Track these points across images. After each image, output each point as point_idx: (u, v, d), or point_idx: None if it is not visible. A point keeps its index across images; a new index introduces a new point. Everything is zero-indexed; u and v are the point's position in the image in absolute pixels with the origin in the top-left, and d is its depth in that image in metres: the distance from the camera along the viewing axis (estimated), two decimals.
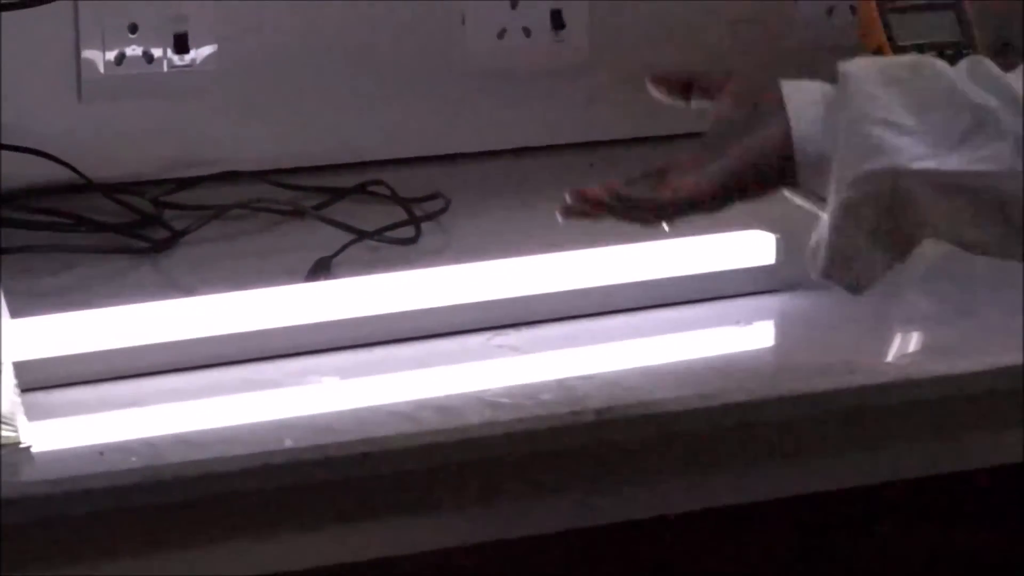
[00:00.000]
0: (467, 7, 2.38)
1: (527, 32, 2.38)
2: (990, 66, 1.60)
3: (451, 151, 2.35)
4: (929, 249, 1.70)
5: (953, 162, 1.55)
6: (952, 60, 2.07)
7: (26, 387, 1.55)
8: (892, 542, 1.76)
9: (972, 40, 2.25)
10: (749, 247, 1.90)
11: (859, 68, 1.60)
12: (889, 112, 1.57)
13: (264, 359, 1.73)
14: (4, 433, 1.49)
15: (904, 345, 1.81)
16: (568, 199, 1.64)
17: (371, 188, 2.22)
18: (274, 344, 1.75)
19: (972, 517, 1.77)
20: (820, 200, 1.60)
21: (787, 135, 1.59)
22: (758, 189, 1.62)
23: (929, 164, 1.55)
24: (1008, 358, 1.73)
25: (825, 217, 1.60)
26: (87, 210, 2.10)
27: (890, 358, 1.78)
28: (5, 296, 1.66)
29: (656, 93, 1.70)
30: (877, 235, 1.60)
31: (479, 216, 2.16)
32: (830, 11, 2.48)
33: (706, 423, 1.65)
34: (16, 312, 1.66)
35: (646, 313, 1.86)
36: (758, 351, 1.85)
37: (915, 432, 1.73)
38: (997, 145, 1.56)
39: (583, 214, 1.64)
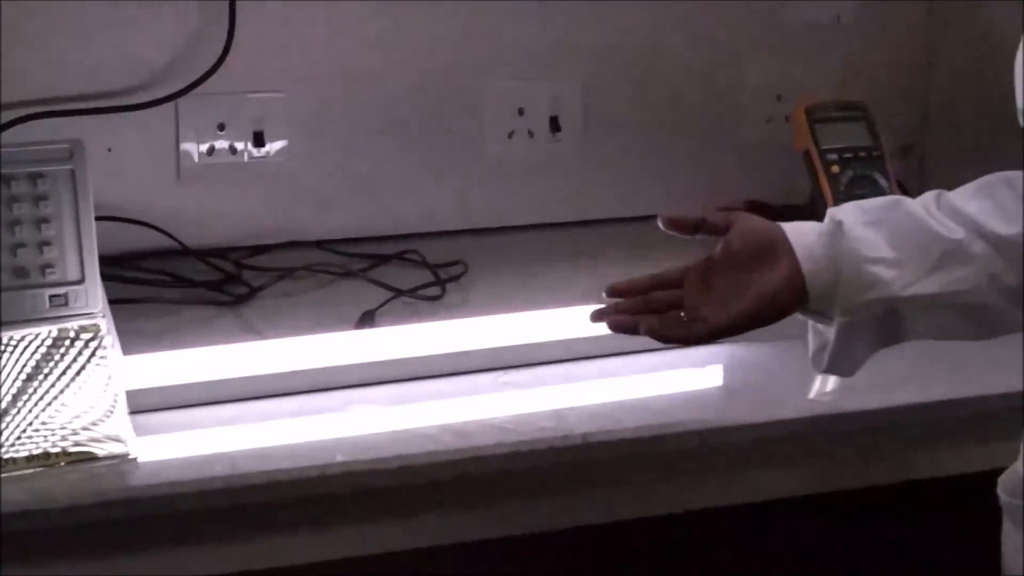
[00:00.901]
0: (485, 114, 2.39)
1: (531, 134, 2.39)
2: (950, 198, 1.60)
3: (471, 226, 2.38)
4: None
5: (933, 285, 1.55)
6: (866, 161, 2.08)
7: (134, 410, 1.60)
8: (810, 537, 1.79)
9: (880, 144, 2.24)
10: None
11: (847, 215, 1.57)
12: (877, 250, 1.55)
13: (321, 391, 1.77)
14: (116, 447, 1.55)
15: (824, 385, 1.81)
16: (613, 313, 1.63)
17: (406, 255, 2.24)
18: (329, 379, 1.78)
19: (878, 519, 1.79)
20: (826, 318, 1.57)
21: (796, 273, 1.54)
22: (774, 318, 1.59)
23: (914, 290, 1.55)
24: (906, 397, 1.77)
25: (831, 331, 1.58)
26: (182, 270, 2.14)
27: (812, 395, 1.80)
28: (119, 337, 1.70)
29: (670, 231, 1.64)
30: (871, 343, 1.60)
31: (492, 279, 2.17)
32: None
33: (670, 444, 1.68)
34: (127, 350, 1.70)
35: (623, 358, 1.87)
36: (711, 388, 1.87)
37: (838, 452, 1.77)
38: (966, 268, 1.55)
39: (623, 328, 1.61)
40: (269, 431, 1.67)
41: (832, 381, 1.80)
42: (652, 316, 1.60)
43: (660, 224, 1.62)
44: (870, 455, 1.76)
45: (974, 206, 1.56)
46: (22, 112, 2.08)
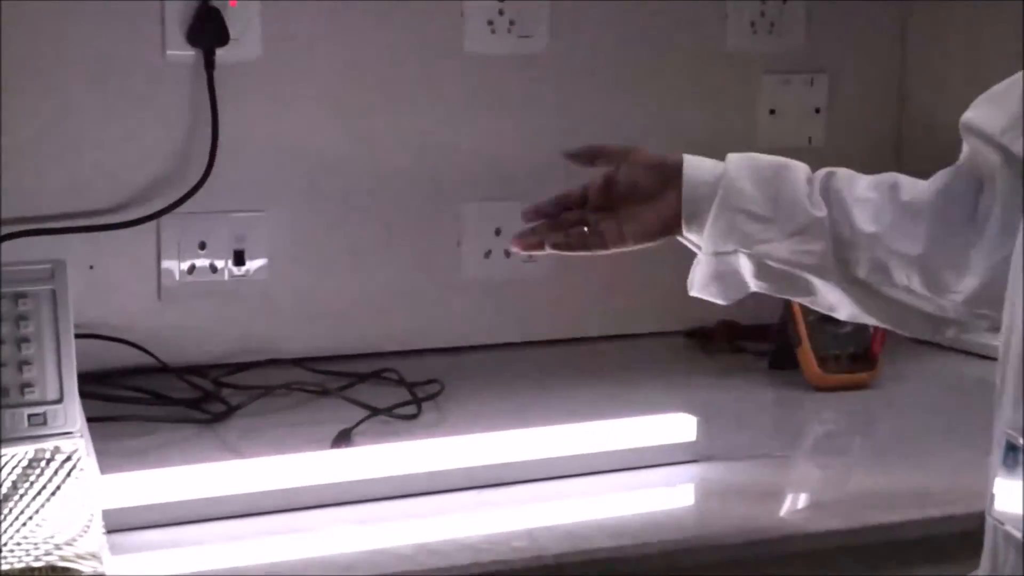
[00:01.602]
0: (464, 235, 2.41)
1: (507, 254, 2.38)
2: (837, 181, 1.70)
3: (448, 345, 2.37)
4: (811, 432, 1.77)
5: (783, 251, 1.66)
6: None
7: (111, 529, 1.58)
8: None
9: None
10: (674, 427, 1.91)
11: (736, 164, 1.70)
12: (750, 203, 1.67)
13: (297, 510, 1.74)
14: (92, 566, 1.51)
15: (794, 505, 1.83)
16: (527, 233, 1.79)
17: (384, 374, 2.23)
18: (304, 498, 1.76)
19: None
20: (697, 247, 1.71)
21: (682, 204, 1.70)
22: (661, 237, 1.75)
23: (764, 248, 1.67)
24: (865, 518, 1.75)
25: (702, 258, 1.72)
26: (162, 388, 2.13)
27: (783, 514, 1.80)
28: (96, 455, 1.71)
29: (571, 162, 1.78)
30: (719, 281, 1.72)
31: (468, 397, 2.17)
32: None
33: (639, 565, 1.66)
34: (104, 468, 1.70)
35: (596, 477, 1.86)
36: (682, 507, 1.87)
37: (807, 570, 1.74)
38: (819, 244, 1.65)
39: (537, 246, 1.77)
40: (244, 551, 1.64)
41: (801, 500, 1.85)
42: (558, 233, 1.75)
43: (563, 155, 1.79)
44: (842, 573, 1.75)
45: (854, 193, 1.68)
46: (5, 230, 2.09)
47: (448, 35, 2.34)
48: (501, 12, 2.36)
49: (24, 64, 2.12)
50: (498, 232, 2.40)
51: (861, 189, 1.68)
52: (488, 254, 2.41)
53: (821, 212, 1.65)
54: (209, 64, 2.20)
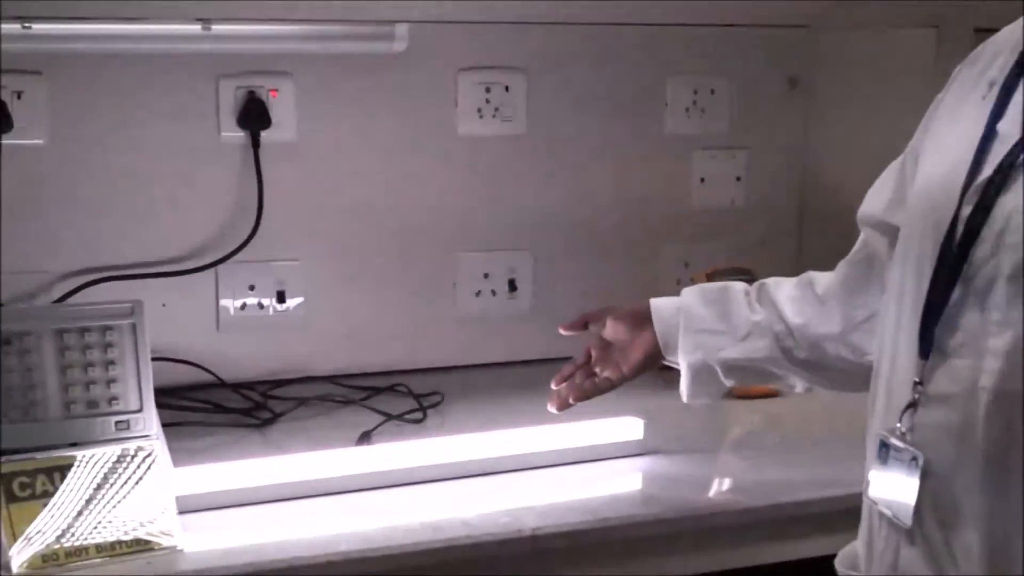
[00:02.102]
0: (458, 279, 2.40)
1: (494, 292, 2.40)
2: (767, 289, 1.74)
3: (447, 364, 2.36)
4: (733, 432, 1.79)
5: (738, 352, 1.72)
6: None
7: (181, 511, 1.60)
8: None
9: None
10: (626, 427, 1.92)
11: (692, 296, 1.77)
12: (705, 323, 1.74)
13: (328, 495, 1.76)
14: (167, 540, 1.56)
15: (720, 487, 1.84)
16: (556, 395, 1.84)
17: (396, 387, 2.22)
18: (334, 486, 1.77)
19: None
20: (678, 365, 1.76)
21: (657, 339, 1.76)
22: (651, 366, 1.80)
23: (723, 354, 1.73)
24: (775, 498, 1.78)
25: (683, 374, 1.77)
26: (219, 399, 2.14)
27: (711, 495, 1.81)
28: (169, 453, 1.70)
29: (567, 332, 1.86)
30: (712, 384, 1.76)
31: (463, 406, 2.16)
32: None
33: (600, 536, 1.68)
34: (176, 463, 1.70)
35: (565, 467, 1.87)
36: (631, 491, 1.85)
37: (730, 539, 1.76)
38: (764, 341, 1.71)
39: (566, 403, 1.82)
40: (288, 527, 1.65)
41: (725, 484, 1.85)
42: (576, 390, 1.81)
43: (561, 331, 1.85)
44: (757, 541, 1.77)
45: (782, 296, 1.72)
46: (95, 276, 2.10)
47: (446, 121, 2.33)
48: (488, 101, 2.35)
49: (115, 141, 2.13)
50: (486, 276, 2.40)
51: (785, 291, 1.72)
52: (478, 293, 2.40)
53: (759, 316, 1.70)
54: (255, 144, 2.19)
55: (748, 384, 1.78)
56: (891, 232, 1.52)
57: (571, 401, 1.78)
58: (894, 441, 1.33)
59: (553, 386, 1.82)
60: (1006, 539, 1.24)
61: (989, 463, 1.24)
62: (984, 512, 1.25)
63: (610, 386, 1.78)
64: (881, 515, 1.36)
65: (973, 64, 1.43)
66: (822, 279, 1.70)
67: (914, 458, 1.29)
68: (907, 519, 1.30)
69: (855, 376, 1.60)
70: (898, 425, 1.32)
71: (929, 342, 1.29)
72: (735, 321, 1.72)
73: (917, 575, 1.31)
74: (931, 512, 1.29)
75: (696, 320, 1.73)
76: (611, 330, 1.80)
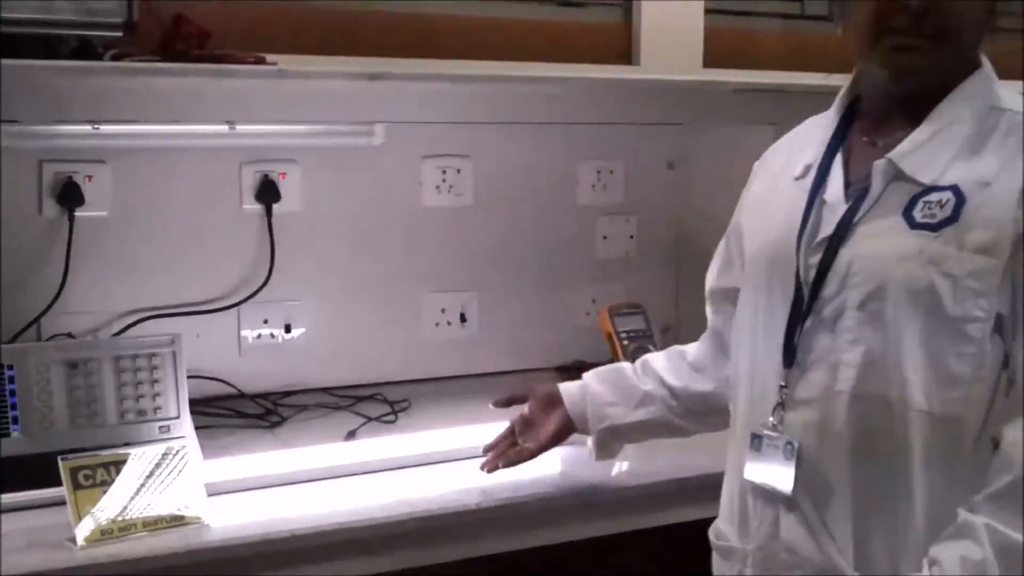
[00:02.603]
0: (423, 312, 2.37)
1: (449, 323, 2.37)
2: (649, 363, 1.68)
3: (414, 378, 2.30)
4: None
5: (638, 416, 1.65)
6: (643, 338, 2.10)
7: (210, 494, 1.59)
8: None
9: (651, 328, 2.26)
10: None
11: (591, 377, 1.70)
12: (604, 397, 1.67)
13: (324, 479, 1.74)
14: (198, 516, 1.54)
15: (619, 469, 1.79)
16: (488, 461, 1.73)
17: (375, 396, 2.18)
18: (329, 472, 1.76)
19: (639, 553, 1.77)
20: (588, 435, 1.69)
21: (569, 416, 1.69)
22: (564, 438, 1.71)
23: (626, 420, 1.66)
24: (671, 474, 1.78)
25: (590, 440, 1.69)
26: (240, 407, 2.10)
27: (614, 474, 1.78)
28: (201, 449, 1.70)
29: (496, 408, 1.76)
30: (615, 445, 1.71)
31: (426, 410, 2.13)
32: None
33: (529, 507, 1.68)
34: (206, 456, 1.70)
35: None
36: (554, 472, 1.79)
37: (621, 509, 1.75)
38: (654, 406, 1.65)
39: (495, 467, 1.70)
40: (291, 505, 1.63)
41: (625, 465, 1.81)
42: (504, 457, 1.71)
43: (492, 407, 1.76)
44: (649, 508, 1.75)
45: (661, 366, 1.66)
46: (145, 315, 2.08)
47: (412, 195, 2.32)
48: (444, 180, 2.33)
49: (161, 212, 2.12)
50: (443, 310, 2.37)
51: (662, 363, 1.66)
52: (437, 324, 2.37)
53: (648, 386, 1.64)
54: (269, 213, 2.17)
55: (647, 440, 1.70)
56: (728, 294, 1.55)
57: (500, 466, 1.69)
58: (767, 433, 1.33)
59: (484, 452, 1.74)
60: (868, 509, 1.27)
61: (852, 449, 1.27)
62: (850, 488, 1.28)
63: (530, 455, 1.69)
64: (757, 493, 1.36)
65: (772, 160, 1.52)
66: (690, 350, 1.66)
67: (789, 443, 1.31)
68: (787, 491, 1.31)
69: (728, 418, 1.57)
70: (770, 419, 1.33)
71: (792, 354, 1.32)
72: (629, 393, 1.65)
73: (796, 538, 1.32)
74: (803, 489, 1.30)
75: (598, 396, 1.66)
76: (531, 410, 1.72)
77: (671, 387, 1.63)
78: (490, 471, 1.68)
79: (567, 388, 1.69)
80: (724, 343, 1.57)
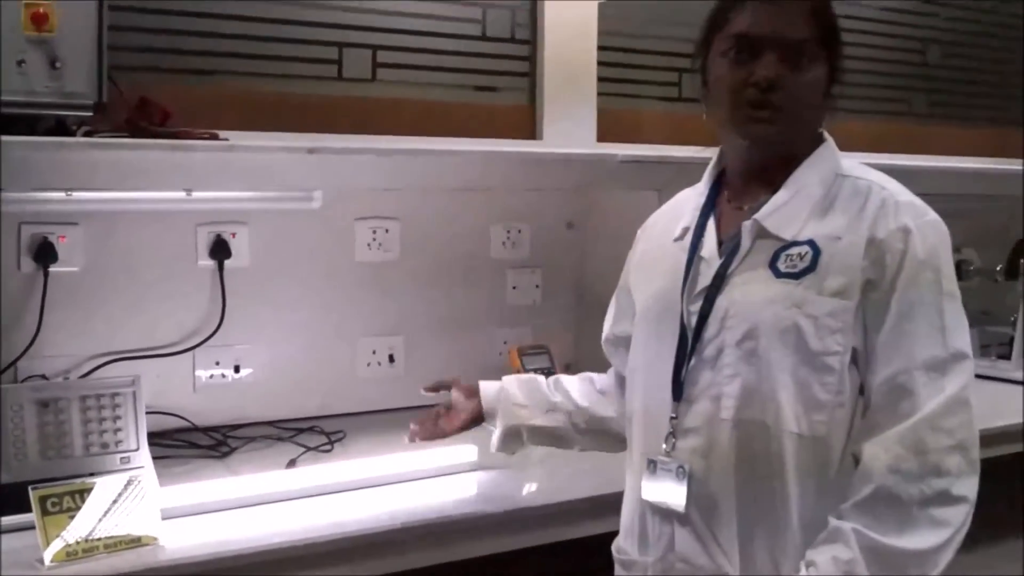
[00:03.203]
0: (357, 354, 2.34)
1: (379, 363, 2.35)
2: (561, 382, 1.67)
3: (346, 412, 2.27)
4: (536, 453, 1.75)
5: (541, 421, 1.64)
6: (548, 374, 2.07)
7: (165, 517, 1.55)
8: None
9: (554, 364, 2.28)
10: (466, 452, 1.88)
11: (509, 381, 1.68)
12: (517, 399, 1.65)
13: (268, 503, 1.71)
14: (153, 537, 1.51)
15: (530, 488, 1.79)
16: (411, 432, 1.72)
17: (314, 428, 2.14)
18: (272, 496, 1.72)
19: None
20: (495, 427, 1.67)
21: (482, 408, 1.67)
22: (477, 424, 1.69)
23: (532, 422, 1.64)
24: (571, 495, 1.75)
25: (496, 432, 1.66)
26: (194, 439, 2.06)
27: (524, 493, 1.78)
28: (158, 477, 1.65)
29: (427, 393, 1.73)
30: (517, 442, 1.67)
31: (359, 440, 2.09)
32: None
33: (447, 525, 1.65)
34: (162, 483, 1.64)
35: (430, 479, 1.85)
36: (469, 494, 1.79)
37: (539, 527, 1.72)
38: (559, 415, 1.64)
39: (414, 438, 1.71)
40: (239, 527, 1.60)
41: (533, 487, 1.80)
42: (423, 432, 1.72)
43: (422, 391, 1.73)
44: (554, 524, 1.73)
45: (572, 386, 1.66)
46: (109, 358, 2.04)
47: (347, 252, 2.30)
48: (374, 238, 2.32)
49: (126, 267, 2.08)
50: (374, 352, 2.34)
51: (574, 384, 1.66)
52: (368, 364, 2.34)
53: (558, 399, 1.63)
54: (221, 269, 2.14)
55: (542, 444, 1.69)
56: (621, 340, 1.57)
57: (418, 439, 1.70)
58: (661, 458, 1.34)
59: (411, 425, 1.72)
60: (751, 519, 1.29)
61: (735, 468, 1.29)
62: (734, 502, 1.30)
63: (444, 434, 1.69)
64: (654, 511, 1.37)
65: (652, 227, 1.55)
66: (599, 379, 1.66)
67: (680, 466, 1.32)
68: (680, 508, 1.32)
69: (619, 443, 1.57)
70: (663, 446, 1.34)
71: (680, 389, 1.33)
72: (540, 400, 1.64)
73: (690, 550, 1.32)
74: (694, 505, 1.32)
75: (511, 397, 1.65)
76: (453, 398, 1.70)
77: (577, 404, 1.62)
78: (410, 440, 1.70)
79: (486, 385, 1.67)
80: (622, 380, 1.57)
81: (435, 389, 1.72)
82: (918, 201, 1.32)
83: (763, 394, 1.27)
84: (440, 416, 1.69)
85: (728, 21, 1.33)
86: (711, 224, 1.39)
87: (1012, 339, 2.74)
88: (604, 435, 1.62)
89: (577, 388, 1.65)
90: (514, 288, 2.51)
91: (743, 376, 1.28)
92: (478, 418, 1.67)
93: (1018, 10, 3.49)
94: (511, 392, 1.65)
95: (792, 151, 1.35)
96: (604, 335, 1.63)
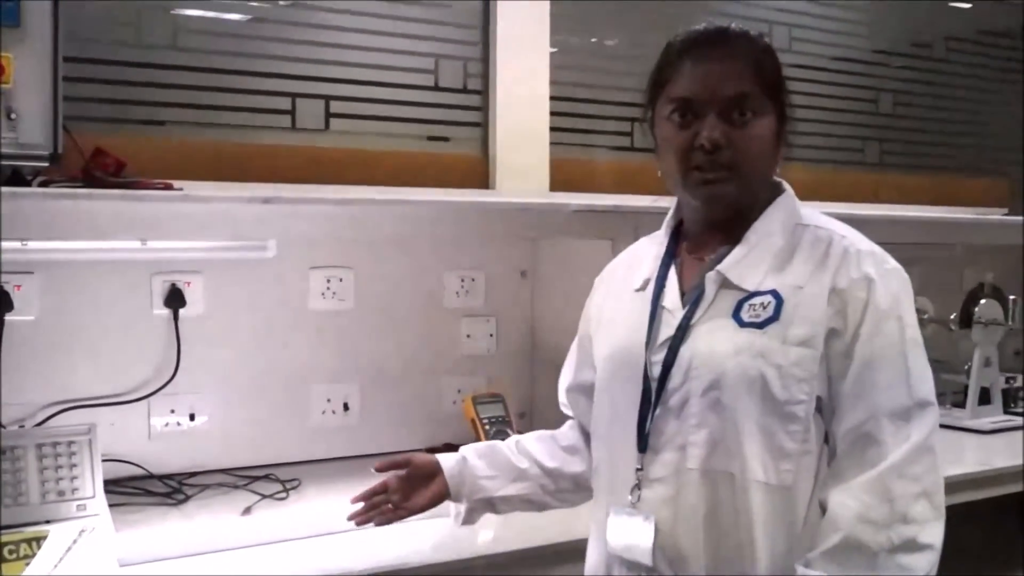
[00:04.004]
0: (311, 403, 2.36)
1: (334, 412, 2.37)
2: (523, 444, 1.65)
3: (303, 459, 2.30)
4: None
5: (510, 490, 1.62)
6: (502, 423, 2.09)
7: (122, 564, 1.60)
8: None
9: (509, 414, 2.27)
10: None
11: (469, 452, 1.64)
12: (482, 471, 1.61)
13: (224, 551, 1.73)
14: None
15: (486, 537, 1.81)
16: (359, 512, 1.61)
17: (269, 476, 2.17)
18: (227, 543, 1.75)
19: None
20: (460, 503, 1.63)
21: (447, 485, 1.61)
22: (438, 503, 1.63)
23: (500, 493, 1.61)
24: (533, 541, 1.76)
25: (463, 507, 1.63)
26: (149, 487, 2.09)
27: (480, 543, 1.79)
28: (114, 524, 1.71)
29: (378, 471, 1.64)
30: (483, 512, 1.64)
31: (315, 487, 2.13)
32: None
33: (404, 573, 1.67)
34: (118, 529, 1.72)
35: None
36: (427, 543, 1.77)
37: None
38: (527, 482, 1.62)
39: (367, 521, 1.61)
40: (198, 569, 1.63)
41: (490, 533, 1.80)
42: (379, 516, 1.60)
43: (373, 470, 1.63)
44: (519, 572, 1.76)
45: (535, 448, 1.64)
46: (65, 406, 2.07)
47: (301, 300, 2.33)
48: (328, 287, 2.34)
49: (82, 315, 2.11)
50: (328, 400, 2.36)
51: (535, 445, 1.63)
52: (323, 412, 2.36)
53: (524, 464, 1.61)
54: (176, 317, 2.18)
55: (509, 511, 1.66)
56: (583, 388, 1.59)
57: (374, 524, 1.60)
58: (627, 512, 1.36)
59: (353, 502, 1.62)
60: (719, 569, 1.30)
61: (703, 518, 1.31)
62: (702, 551, 1.31)
63: (405, 515, 1.61)
64: (621, 561, 1.38)
65: (610, 277, 1.57)
66: (560, 435, 1.65)
67: (647, 518, 1.33)
68: (647, 559, 1.33)
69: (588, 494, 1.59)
70: (629, 498, 1.36)
71: (644, 440, 1.34)
72: (506, 468, 1.61)
73: None
74: (661, 555, 1.33)
75: (476, 469, 1.60)
76: (409, 476, 1.62)
77: (545, 467, 1.60)
78: (359, 524, 1.60)
79: (446, 460, 1.61)
80: (587, 431, 1.58)
81: (387, 468, 1.62)
82: (878, 250, 1.34)
83: (729, 444, 1.28)
84: (395, 493, 1.61)
85: (669, 81, 1.35)
86: (672, 274, 1.40)
87: (966, 387, 2.76)
88: (577, 492, 1.61)
89: (541, 450, 1.62)
90: (468, 336, 2.53)
91: (709, 426, 1.29)
92: (441, 496, 1.61)
93: (966, 59, 3.62)
94: (474, 464, 1.60)
95: (748, 203, 1.37)
96: (566, 384, 1.63)
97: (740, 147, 1.32)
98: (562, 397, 1.66)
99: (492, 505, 1.62)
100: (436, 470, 1.61)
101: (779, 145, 1.38)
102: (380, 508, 1.60)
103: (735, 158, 1.32)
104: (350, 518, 1.59)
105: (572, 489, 1.62)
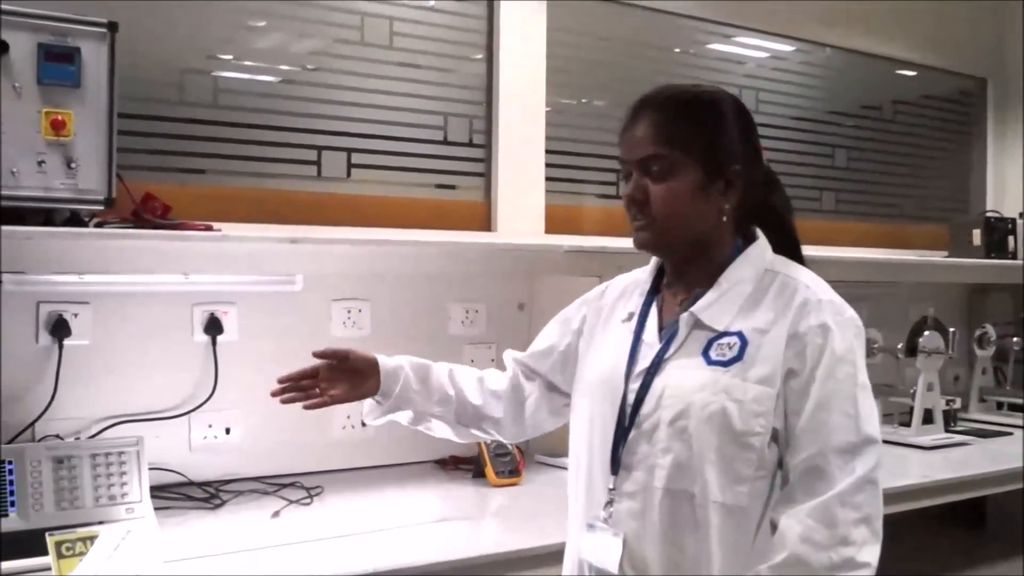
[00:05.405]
0: (332, 418, 2.32)
1: (353, 426, 2.33)
2: (455, 375, 1.61)
3: (323, 469, 2.29)
4: (490, 506, 1.75)
5: (430, 409, 1.59)
6: (500, 442, 2.05)
7: (166, 561, 1.61)
8: None
9: None
10: (430, 505, 1.93)
11: (407, 363, 1.58)
12: (415, 385, 1.57)
13: (256, 550, 1.73)
14: None
15: (486, 537, 1.82)
16: (283, 389, 1.54)
17: (295, 483, 2.16)
18: (259, 544, 1.76)
19: None
20: (381, 402, 1.58)
21: (379, 386, 1.56)
22: (364, 397, 1.58)
23: (421, 408, 1.58)
24: (511, 546, 1.77)
25: (380, 408, 1.58)
26: (190, 492, 2.09)
27: (478, 544, 1.79)
28: (159, 525, 1.72)
29: (316, 356, 1.56)
30: (384, 415, 1.59)
31: (337, 495, 2.12)
32: None
33: (413, 571, 1.66)
34: (162, 530, 1.72)
35: (396, 530, 1.86)
36: (434, 544, 1.81)
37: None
38: (447, 406, 1.59)
39: (292, 400, 1.54)
40: (231, 570, 1.63)
41: (487, 536, 1.82)
42: (304, 396, 1.54)
43: (312, 355, 1.54)
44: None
45: (466, 382, 1.60)
46: (116, 420, 2.08)
47: (324, 329, 2.31)
48: (349, 317, 2.34)
49: (130, 341, 2.11)
50: (348, 416, 2.33)
51: (468, 378, 1.61)
52: (343, 427, 2.34)
53: (451, 392, 1.58)
54: (214, 343, 2.18)
55: (410, 425, 1.62)
56: (535, 372, 1.59)
57: (302, 406, 1.52)
58: (599, 524, 1.36)
59: (280, 381, 1.54)
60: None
61: (665, 532, 1.31)
62: (664, 562, 1.31)
63: (330, 403, 1.53)
64: (592, 568, 1.37)
65: (598, 299, 1.56)
66: (490, 379, 1.62)
67: (616, 533, 1.34)
68: (614, 569, 1.33)
69: (476, 437, 1.59)
70: (601, 513, 1.36)
71: (618, 460, 1.35)
72: (436, 389, 1.57)
73: None
74: (628, 563, 1.33)
75: (409, 381, 1.55)
76: (352, 364, 1.55)
77: (468, 402, 1.58)
78: (283, 402, 1.53)
79: (384, 364, 1.55)
80: (518, 390, 1.58)
81: (326, 356, 1.54)
82: (838, 299, 1.33)
83: (692, 467, 1.28)
84: (324, 380, 1.54)
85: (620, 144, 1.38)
86: (653, 311, 1.41)
87: (912, 409, 2.79)
88: (482, 432, 1.60)
89: (471, 386, 1.59)
90: (472, 361, 2.47)
91: (675, 451, 1.29)
92: (369, 395, 1.56)
93: (912, 120, 3.66)
94: (408, 375, 1.55)
95: (684, 248, 1.37)
96: (528, 352, 1.60)
97: (655, 201, 1.33)
98: (516, 355, 1.62)
99: (408, 416, 1.58)
100: (371, 370, 1.55)
101: (708, 197, 1.34)
102: (308, 391, 1.54)
103: (655, 210, 1.33)
104: (274, 394, 1.53)
105: (480, 429, 1.60)
